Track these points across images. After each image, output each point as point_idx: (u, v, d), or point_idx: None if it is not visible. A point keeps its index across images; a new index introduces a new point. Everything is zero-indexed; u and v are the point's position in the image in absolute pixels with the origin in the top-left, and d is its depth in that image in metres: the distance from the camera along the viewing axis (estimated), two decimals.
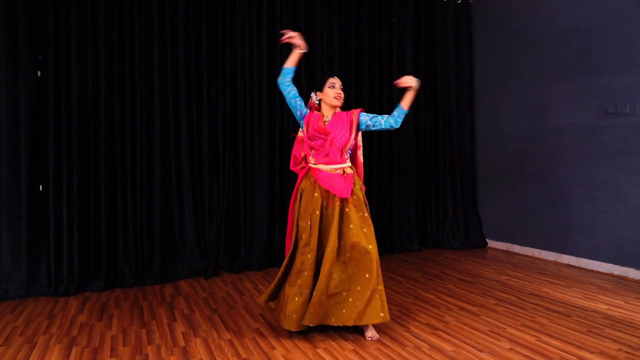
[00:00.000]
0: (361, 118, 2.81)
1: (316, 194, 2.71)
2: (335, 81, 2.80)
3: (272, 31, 4.51)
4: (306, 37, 4.63)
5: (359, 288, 2.61)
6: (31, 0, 3.64)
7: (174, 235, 4.22)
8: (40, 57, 3.71)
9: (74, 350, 2.64)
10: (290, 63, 2.80)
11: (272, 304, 3.12)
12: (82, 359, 2.52)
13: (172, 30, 4.16)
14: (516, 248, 5.04)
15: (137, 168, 4.02)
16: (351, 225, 2.63)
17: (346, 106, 4.89)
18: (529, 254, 4.88)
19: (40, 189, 3.75)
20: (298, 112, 2.84)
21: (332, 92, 2.78)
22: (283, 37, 2.76)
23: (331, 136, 2.72)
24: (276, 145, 4.55)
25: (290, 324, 2.68)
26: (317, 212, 2.69)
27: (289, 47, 4.47)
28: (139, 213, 4.02)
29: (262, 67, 4.47)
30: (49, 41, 3.70)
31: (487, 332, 2.81)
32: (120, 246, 3.97)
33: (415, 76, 5.13)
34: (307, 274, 2.68)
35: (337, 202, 2.68)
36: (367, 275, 2.60)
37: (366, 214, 2.72)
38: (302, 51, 2.77)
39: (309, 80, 4.49)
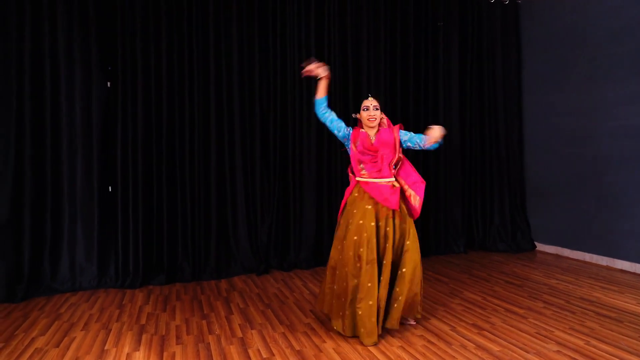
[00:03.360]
0: (401, 136, 2.93)
1: (369, 207, 2.82)
2: (369, 103, 2.89)
3: (320, 39, 4.70)
4: (353, 45, 4.83)
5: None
6: (101, 17, 4.00)
7: (228, 235, 4.48)
8: (110, 68, 4.06)
9: (144, 336, 2.91)
10: (320, 94, 2.95)
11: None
12: (152, 345, 2.78)
13: (226, 39, 4.42)
14: (566, 252, 4.94)
15: (195, 171, 4.31)
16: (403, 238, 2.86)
17: (392, 114, 5.06)
18: (580, 259, 4.78)
19: (110, 190, 4.10)
20: (340, 133, 2.95)
21: (365, 114, 2.89)
22: (303, 72, 2.95)
23: (380, 153, 2.86)
24: (324, 147, 4.72)
25: (372, 336, 2.73)
26: (373, 224, 2.78)
27: (334, 57, 4.69)
28: (197, 214, 4.31)
29: (310, 77, 4.64)
30: (117, 54, 4.05)
31: (534, 334, 2.84)
32: (180, 244, 4.27)
33: (462, 80, 5.29)
34: (372, 285, 2.72)
35: (390, 214, 2.82)
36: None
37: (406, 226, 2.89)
38: (327, 79, 2.93)
39: (356, 91, 4.65)
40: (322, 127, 4.70)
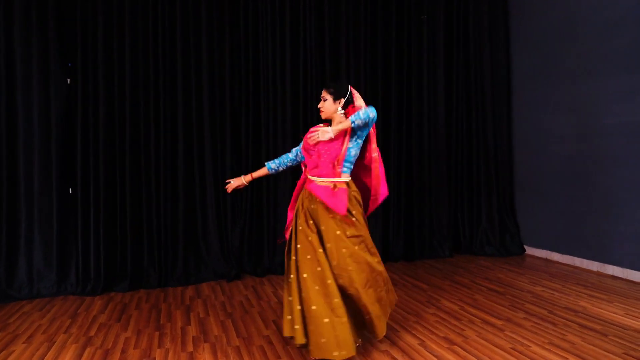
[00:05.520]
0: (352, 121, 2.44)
1: (313, 206, 2.51)
2: (322, 94, 2.58)
3: (295, 30, 4.48)
4: (331, 37, 4.60)
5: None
6: (61, 11, 3.80)
7: (198, 239, 4.27)
8: (70, 64, 3.86)
9: (87, 350, 2.71)
10: (262, 171, 2.86)
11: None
12: None
13: (195, 36, 4.21)
14: (556, 256, 4.69)
15: (161, 172, 4.10)
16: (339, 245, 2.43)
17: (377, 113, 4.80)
18: (570, 263, 4.53)
19: (70, 192, 3.90)
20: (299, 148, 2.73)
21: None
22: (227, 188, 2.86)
23: (318, 147, 2.51)
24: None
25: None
26: (311, 222, 2.49)
27: (311, 49, 4.46)
28: (163, 217, 4.09)
29: (285, 69, 4.43)
30: (78, 49, 3.84)
31: (508, 350, 2.61)
32: (145, 249, 4.06)
33: (447, 75, 5.04)
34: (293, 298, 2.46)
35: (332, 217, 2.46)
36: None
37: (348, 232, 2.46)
38: (246, 181, 2.85)
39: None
40: (297, 127, 4.50)
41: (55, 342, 2.84)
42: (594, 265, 4.29)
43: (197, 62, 4.22)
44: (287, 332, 2.45)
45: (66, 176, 3.89)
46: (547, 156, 4.80)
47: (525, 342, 2.71)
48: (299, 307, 2.36)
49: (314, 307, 2.29)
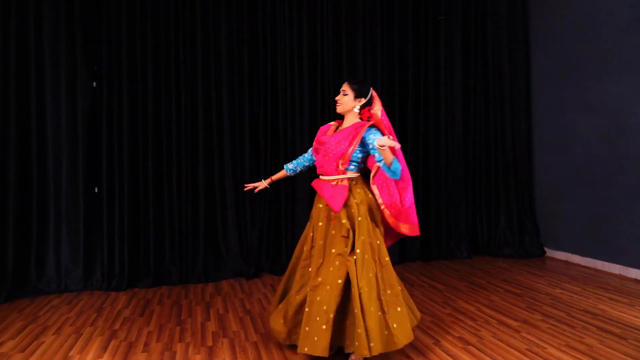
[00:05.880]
0: (368, 135, 2.46)
1: (320, 205, 2.59)
2: (342, 87, 2.61)
3: (313, 32, 4.55)
4: (348, 40, 4.65)
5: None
6: (86, 15, 3.94)
7: (217, 239, 4.37)
8: (96, 68, 4.00)
9: (112, 342, 2.82)
10: (281, 174, 2.94)
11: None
12: (118, 352, 2.68)
13: (214, 39, 4.31)
14: (577, 259, 4.63)
15: (183, 174, 4.22)
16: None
17: (390, 113, 4.80)
18: (591, 266, 4.46)
19: (96, 190, 4.04)
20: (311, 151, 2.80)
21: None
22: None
23: (326, 146, 2.54)
24: None
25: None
26: (321, 224, 2.54)
27: (328, 51, 4.51)
28: (184, 217, 4.21)
29: (303, 70, 4.50)
30: (103, 53, 3.99)
31: (524, 351, 2.61)
32: (167, 247, 4.18)
33: (465, 75, 5.02)
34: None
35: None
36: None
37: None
38: (267, 183, 2.95)
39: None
40: (315, 127, 4.55)
41: (82, 334, 2.97)
42: (615, 269, 4.22)
43: (217, 64, 4.32)
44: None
45: (92, 176, 4.03)
46: (568, 156, 4.74)
47: (542, 343, 2.71)
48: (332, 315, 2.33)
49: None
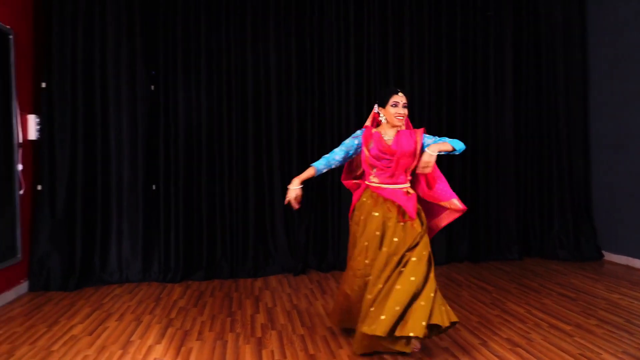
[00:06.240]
0: (424, 140, 2.64)
1: (376, 213, 2.60)
2: (399, 99, 2.60)
3: (359, 32, 4.60)
4: (394, 38, 4.66)
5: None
6: (146, 23, 4.20)
7: (266, 235, 4.52)
8: (154, 72, 4.25)
9: (169, 330, 3.00)
10: (309, 172, 2.82)
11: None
12: (174, 339, 2.86)
13: (264, 43, 4.46)
14: (638, 263, 4.38)
15: (234, 173, 4.41)
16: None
17: (437, 114, 4.80)
18: None
19: (154, 188, 4.30)
20: (354, 148, 2.74)
21: (394, 111, 2.59)
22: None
23: (397, 156, 2.57)
24: None
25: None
26: (378, 233, 2.57)
27: (375, 53, 4.54)
28: (235, 214, 4.40)
29: (349, 69, 4.57)
30: (159, 59, 4.24)
31: (576, 356, 2.53)
32: (219, 242, 4.38)
33: (516, 73, 4.88)
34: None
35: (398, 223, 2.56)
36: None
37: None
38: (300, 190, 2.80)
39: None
40: (360, 127, 4.59)
41: (142, 321, 3.18)
42: None
43: (266, 66, 4.47)
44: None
45: (150, 175, 4.29)
46: (628, 154, 4.50)
47: (596, 349, 2.61)
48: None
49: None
